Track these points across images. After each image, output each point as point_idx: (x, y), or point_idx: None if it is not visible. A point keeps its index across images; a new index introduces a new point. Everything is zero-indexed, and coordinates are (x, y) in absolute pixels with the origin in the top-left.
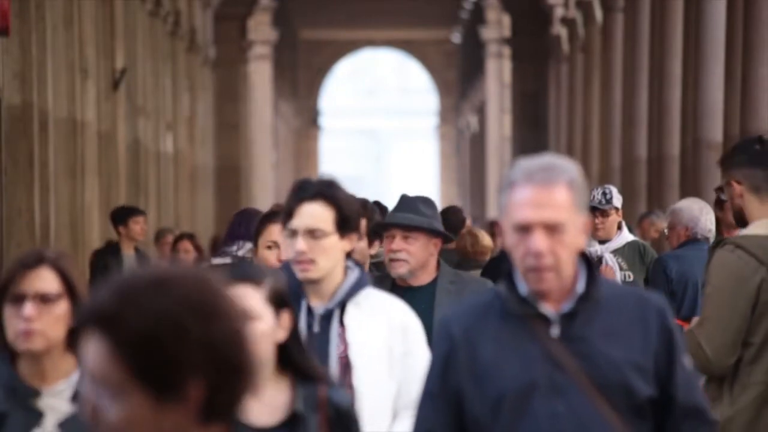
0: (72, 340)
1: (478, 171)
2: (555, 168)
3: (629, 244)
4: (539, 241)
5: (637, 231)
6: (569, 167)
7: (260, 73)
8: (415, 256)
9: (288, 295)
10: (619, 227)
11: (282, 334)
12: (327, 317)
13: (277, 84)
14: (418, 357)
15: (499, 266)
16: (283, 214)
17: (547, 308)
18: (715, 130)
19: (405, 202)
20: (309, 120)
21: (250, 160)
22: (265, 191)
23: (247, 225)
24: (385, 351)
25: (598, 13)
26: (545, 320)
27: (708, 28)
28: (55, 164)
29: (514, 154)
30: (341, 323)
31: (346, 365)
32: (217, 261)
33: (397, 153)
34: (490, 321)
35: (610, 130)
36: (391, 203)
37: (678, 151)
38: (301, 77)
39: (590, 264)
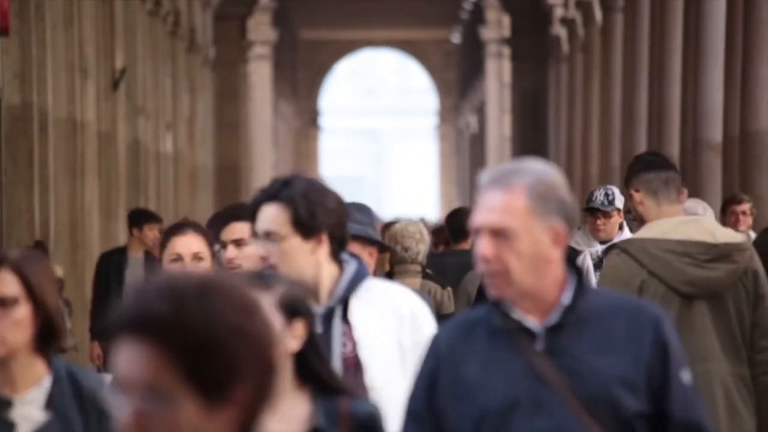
0: (41, 345)
1: (477, 171)
2: (516, 172)
3: None
4: (483, 245)
5: (636, 232)
6: (536, 172)
7: (260, 73)
8: None
9: (304, 304)
10: (621, 227)
11: (294, 344)
12: (328, 316)
13: (276, 84)
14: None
15: None
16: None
17: (532, 321)
18: (714, 130)
19: None
20: (309, 120)
21: (249, 160)
22: None
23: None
24: (396, 345)
25: (598, 14)
26: (531, 334)
27: (708, 28)
28: (55, 164)
29: (514, 154)
30: (345, 321)
31: (355, 365)
32: None
33: (397, 153)
34: (477, 337)
35: (610, 130)
36: (390, 204)
37: (678, 151)
38: (300, 77)
39: (580, 274)
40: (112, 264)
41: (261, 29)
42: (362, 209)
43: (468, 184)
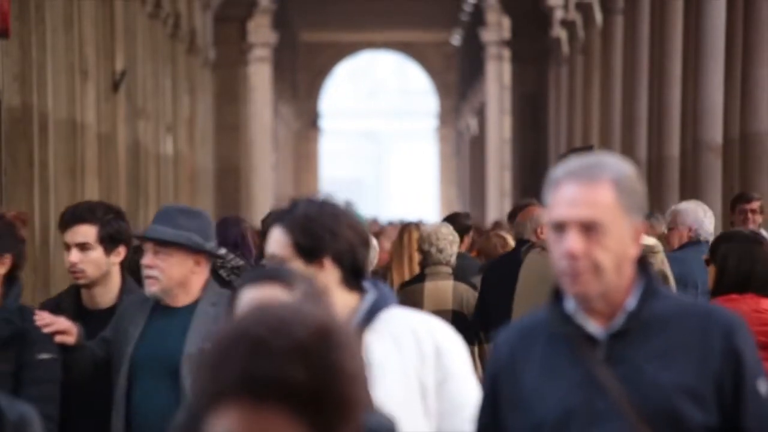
0: None
1: (477, 173)
2: (600, 165)
3: None
4: (573, 240)
5: None
6: (618, 166)
7: (260, 75)
8: (168, 273)
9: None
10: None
11: None
12: None
13: (277, 86)
14: (460, 380)
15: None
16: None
17: (594, 326)
18: (715, 131)
19: (163, 213)
20: (309, 122)
21: (250, 162)
22: (265, 193)
23: (224, 232)
24: (416, 385)
25: (598, 15)
26: (592, 340)
27: (708, 29)
28: (55, 166)
29: (514, 156)
30: None
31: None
32: None
33: (397, 155)
34: (537, 342)
35: (610, 131)
36: (390, 206)
37: (678, 152)
38: (300, 79)
39: (650, 277)
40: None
41: (261, 31)
42: (189, 214)
43: (468, 186)
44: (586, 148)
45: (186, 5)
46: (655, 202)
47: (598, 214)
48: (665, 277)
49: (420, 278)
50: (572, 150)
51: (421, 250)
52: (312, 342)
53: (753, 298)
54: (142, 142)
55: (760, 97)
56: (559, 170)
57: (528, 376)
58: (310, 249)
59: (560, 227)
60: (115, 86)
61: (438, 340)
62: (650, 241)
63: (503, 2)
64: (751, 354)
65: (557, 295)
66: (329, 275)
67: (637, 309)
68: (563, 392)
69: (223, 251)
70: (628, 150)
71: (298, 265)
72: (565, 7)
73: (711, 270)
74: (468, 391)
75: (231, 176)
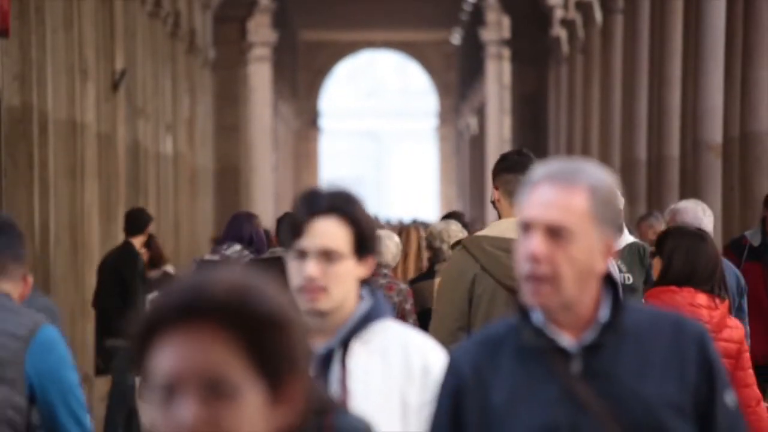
0: None
1: (477, 172)
2: (578, 171)
3: (629, 246)
4: (535, 242)
5: (635, 233)
6: (598, 175)
7: (260, 75)
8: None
9: None
10: (619, 229)
11: None
12: (328, 358)
13: (276, 85)
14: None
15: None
16: (290, 230)
17: (567, 339)
18: (714, 131)
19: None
20: (309, 121)
21: (249, 162)
22: (265, 193)
23: (238, 228)
24: (398, 402)
25: (598, 15)
26: (565, 354)
27: (708, 29)
28: (55, 166)
29: None
30: (344, 365)
31: None
32: (207, 258)
33: (397, 154)
34: (504, 357)
35: (610, 131)
36: (391, 205)
37: (678, 152)
38: (300, 79)
39: (616, 289)
40: (121, 261)
41: (261, 31)
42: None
43: (468, 185)
44: (517, 152)
45: (186, 5)
46: (655, 202)
47: (567, 220)
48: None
49: (430, 275)
50: (505, 156)
51: (431, 247)
52: (239, 278)
53: (690, 292)
54: (141, 142)
55: (760, 97)
56: (537, 171)
57: (497, 393)
58: (367, 245)
59: (527, 228)
60: (115, 86)
61: (428, 360)
62: None
63: (503, 2)
64: (719, 364)
65: (523, 307)
66: (362, 275)
67: (611, 321)
68: (540, 410)
69: (238, 247)
70: (628, 149)
71: (351, 263)
72: (565, 6)
73: (656, 263)
74: None
75: (231, 176)
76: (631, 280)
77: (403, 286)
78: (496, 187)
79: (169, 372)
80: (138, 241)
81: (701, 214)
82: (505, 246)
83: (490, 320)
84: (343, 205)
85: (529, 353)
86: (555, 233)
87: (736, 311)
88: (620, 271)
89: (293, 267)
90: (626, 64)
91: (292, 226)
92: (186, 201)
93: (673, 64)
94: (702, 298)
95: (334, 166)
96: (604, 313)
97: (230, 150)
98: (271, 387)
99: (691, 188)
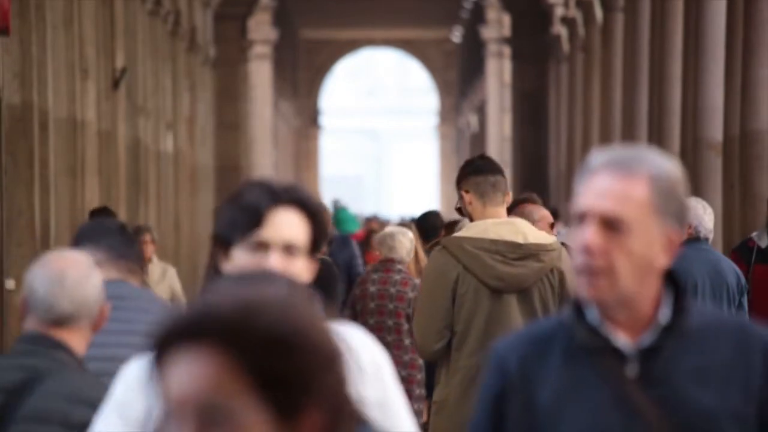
0: None
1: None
2: (640, 159)
3: None
4: (590, 234)
5: None
6: (662, 163)
7: (260, 73)
8: None
9: None
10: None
11: None
12: None
13: (277, 83)
14: (398, 403)
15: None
16: (246, 220)
17: (623, 340)
18: (715, 129)
19: None
20: (309, 119)
21: (250, 160)
22: None
23: None
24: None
25: (599, 13)
26: (620, 356)
27: (708, 28)
28: (56, 164)
29: (514, 154)
30: None
31: None
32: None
33: (397, 152)
34: (552, 355)
35: (610, 129)
36: (391, 203)
37: (678, 150)
38: (301, 77)
39: (679, 289)
40: None
41: (261, 29)
42: None
43: None
44: (480, 157)
45: (186, 3)
46: None
47: (624, 211)
48: (561, 273)
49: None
50: (470, 161)
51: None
52: (255, 295)
53: None
54: (142, 140)
55: (761, 95)
56: (596, 158)
57: (544, 395)
58: (319, 246)
59: (582, 218)
60: (116, 84)
61: (376, 359)
62: (548, 239)
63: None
64: None
65: (578, 304)
66: (310, 275)
67: (672, 322)
68: (590, 414)
69: None
70: None
71: (304, 259)
72: (566, 4)
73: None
74: (406, 420)
75: (231, 174)
76: None
77: (417, 281)
78: (466, 191)
79: (169, 396)
80: None
81: (701, 212)
82: (485, 246)
83: (473, 319)
84: (305, 198)
85: (581, 353)
86: (611, 224)
87: (737, 309)
88: None
89: (246, 259)
90: (626, 62)
91: (248, 214)
92: (186, 199)
93: (673, 63)
94: None
95: (335, 165)
96: (665, 314)
97: (230, 148)
98: (281, 416)
99: (691, 186)
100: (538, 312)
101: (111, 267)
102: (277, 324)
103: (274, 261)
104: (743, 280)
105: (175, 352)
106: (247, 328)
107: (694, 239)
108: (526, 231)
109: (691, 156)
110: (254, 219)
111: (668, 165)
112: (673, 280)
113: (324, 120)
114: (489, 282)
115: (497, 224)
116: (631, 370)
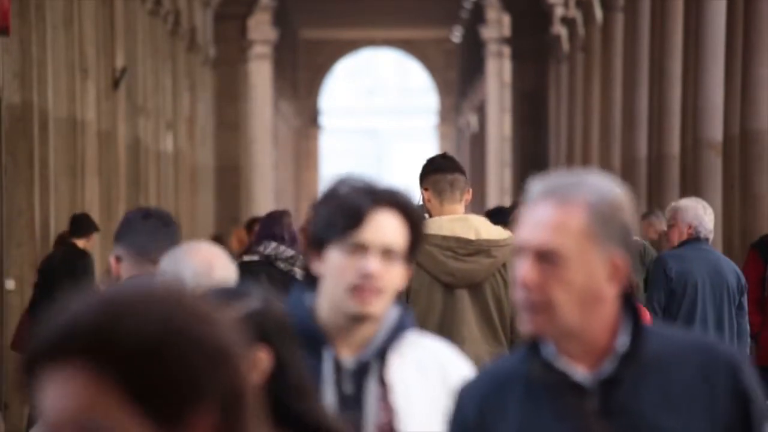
0: None
1: (478, 170)
2: (577, 185)
3: None
4: (525, 268)
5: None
6: (598, 188)
7: (260, 73)
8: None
9: (273, 327)
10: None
11: (253, 377)
12: (361, 373)
13: (277, 83)
14: None
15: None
16: (345, 220)
17: (581, 373)
18: (715, 129)
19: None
20: (309, 119)
21: (250, 160)
22: (265, 191)
23: (271, 226)
24: (441, 418)
25: (599, 13)
26: (579, 389)
27: (708, 27)
28: (55, 164)
29: (514, 154)
30: (380, 381)
31: None
32: (246, 259)
33: (397, 152)
34: (513, 393)
35: (610, 129)
36: None
37: (678, 150)
38: (301, 77)
39: (636, 313)
40: (69, 264)
41: (261, 29)
42: None
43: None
44: (442, 156)
45: (186, 3)
46: (656, 200)
47: (559, 242)
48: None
49: None
50: (432, 159)
51: None
52: (128, 296)
53: None
54: (142, 140)
55: (761, 95)
56: (534, 187)
57: None
58: (415, 253)
59: (519, 252)
60: (116, 84)
61: (464, 373)
62: (502, 235)
63: None
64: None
65: (534, 339)
66: (402, 283)
67: (631, 350)
68: None
69: (273, 244)
70: (628, 148)
71: (400, 263)
72: (566, 4)
73: None
74: None
75: (231, 174)
76: None
77: None
78: (425, 188)
79: (48, 419)
80: (81, 243)
81: (701, 212)
82: (439, 242)
83: (429, 316)
84: (406, 202)
85: (541, 389)
86: (547, 257)
87: (737, 309)
88: None
89: (341, 261)
90: (626, 62)
91: (347, 214)
92: (186, 198)
93: (673, 62)
94: None
95: (334, 164)
96: (623, 342)
97: (230, 148)
98: (165, 424)
99: (691, 186)
100: (491, 307)
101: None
102: (143, 327)
103: (373, 265)
104: (743, 280)
105: (44, 372)
106: (108, 338)
107: (695, 239)
108: (479, 227)
109: (691, 156)
110: (354, 219)
111: (608, 188)
112: (631, 307)
113: (324, 120)
114: (441, 277)
115: (451, 221)
116: (592, 403)
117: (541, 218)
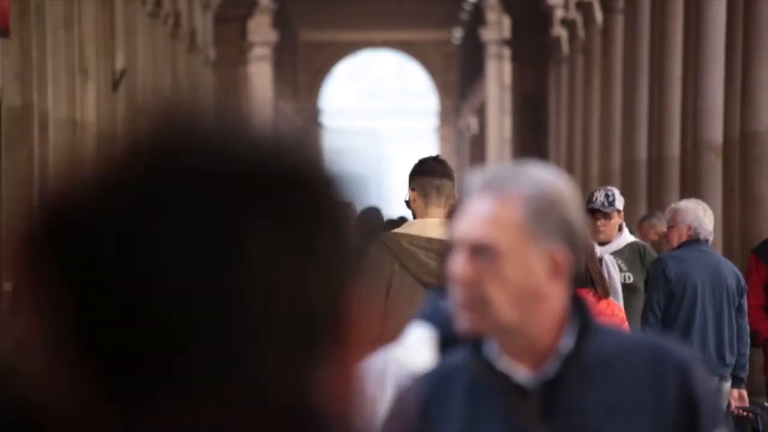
0: None
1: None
2: (514, 178)
3: (629, 246)
4: (460, 263)
5: (636, 233)
6: (539, 180)
7: (260, 75)
8: None
9: None
10: (620, 228)
11: None
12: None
13: (277, 85)
14: None
15: None
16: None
17: (523, 374)
18: (715, 131)
19: None
20: (309, 121)
21: None
22: None
23: None
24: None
25: (598, 15)
26: (521, 390)
27: (708, 29)
28: (55, 165)
29: (514, 156)
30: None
31: None
32: None
33: (397, 154)
34: (455, 392)
35: (610, 131)
36: (391, 204)
37: (678, 152)
38: (301, 78)
39: (584, 312)
40: None
41: (261, 31)
42: None
43: None
44: (434, 159)
45: (186, 4)
46: (656, 202)
47: (493, 236)
48: None
49: None
50: (423, 161)
51: None
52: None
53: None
54: None
55: (760, 97)
56: (473, 180)
57: None
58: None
59: (456, 247)
60: (115, 85)
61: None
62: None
63: (503, 1)
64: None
65: (476, 337)
66: None
67: (575, 351)
68: None
69: None
70: (628, 150)
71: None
72: (566, 6)
73: None
74: None
75: None
76: (631, 279)
77: None
78: (412, 189)
79: None
80: None
81: (701, 214)
82: (422, 244)
83: (410, 318)
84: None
85: (482, 389)
86: (481, 252)
87: (737, 311)
88: (621, 270)
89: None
90: (626, 64)
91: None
92: None
93: (673, 64)
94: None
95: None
96: (567, 342)
97: None
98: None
99: (691, 188)
100: None
101: None
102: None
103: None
104: (743, 282)
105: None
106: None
107: (694, 241)
108: None
109: (691, 158)
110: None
111: (548, 181)
112: (579, 306)
113: (324, 121)
114: (422, 278)
115: (437, 224)
116: (533, 405)
117: (477, 212)
